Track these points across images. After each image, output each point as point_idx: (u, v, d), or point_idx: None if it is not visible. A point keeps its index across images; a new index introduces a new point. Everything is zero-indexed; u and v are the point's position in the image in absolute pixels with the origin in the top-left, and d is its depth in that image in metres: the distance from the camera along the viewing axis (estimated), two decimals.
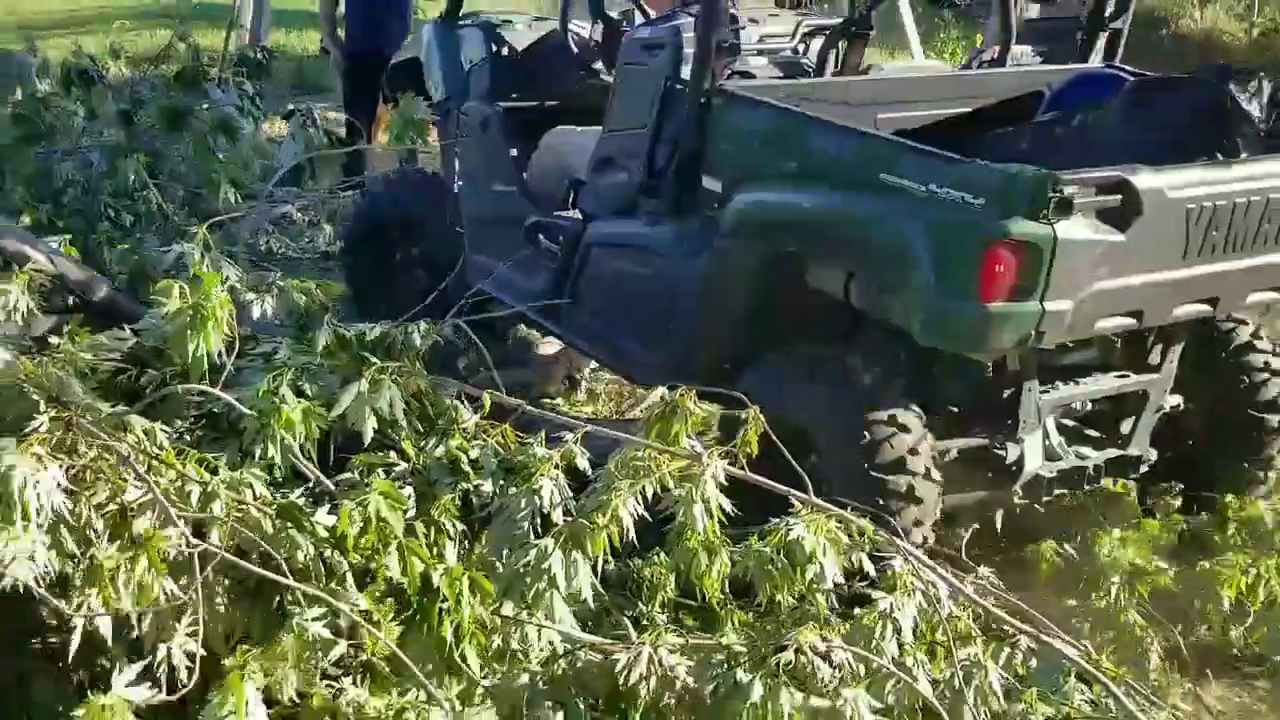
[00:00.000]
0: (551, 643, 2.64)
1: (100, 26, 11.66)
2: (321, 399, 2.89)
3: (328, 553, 2.53)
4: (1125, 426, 4.23)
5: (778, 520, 2.94)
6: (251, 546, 2.46)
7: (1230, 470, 4.40)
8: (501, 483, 2.92)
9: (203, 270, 2.87)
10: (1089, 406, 4.23)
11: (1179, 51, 14.36)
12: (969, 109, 4.51)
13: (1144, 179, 3.46)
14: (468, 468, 2.93)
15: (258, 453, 2.71)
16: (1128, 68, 4.56)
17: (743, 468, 2.98)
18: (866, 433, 3.67)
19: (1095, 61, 4.68)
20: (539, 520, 2.76)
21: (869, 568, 2.96)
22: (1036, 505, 4.11)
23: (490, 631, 2.47)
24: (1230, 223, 3.64)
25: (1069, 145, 4.00)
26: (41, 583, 2.21)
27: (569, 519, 2.74)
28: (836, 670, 2.61)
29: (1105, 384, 4.17)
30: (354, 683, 2.43)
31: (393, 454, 2.94)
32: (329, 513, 2.62)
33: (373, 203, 5.99)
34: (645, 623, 3.15)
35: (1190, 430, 4.45)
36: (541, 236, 4.84)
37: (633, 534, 2.74)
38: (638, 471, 2.81)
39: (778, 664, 2.57)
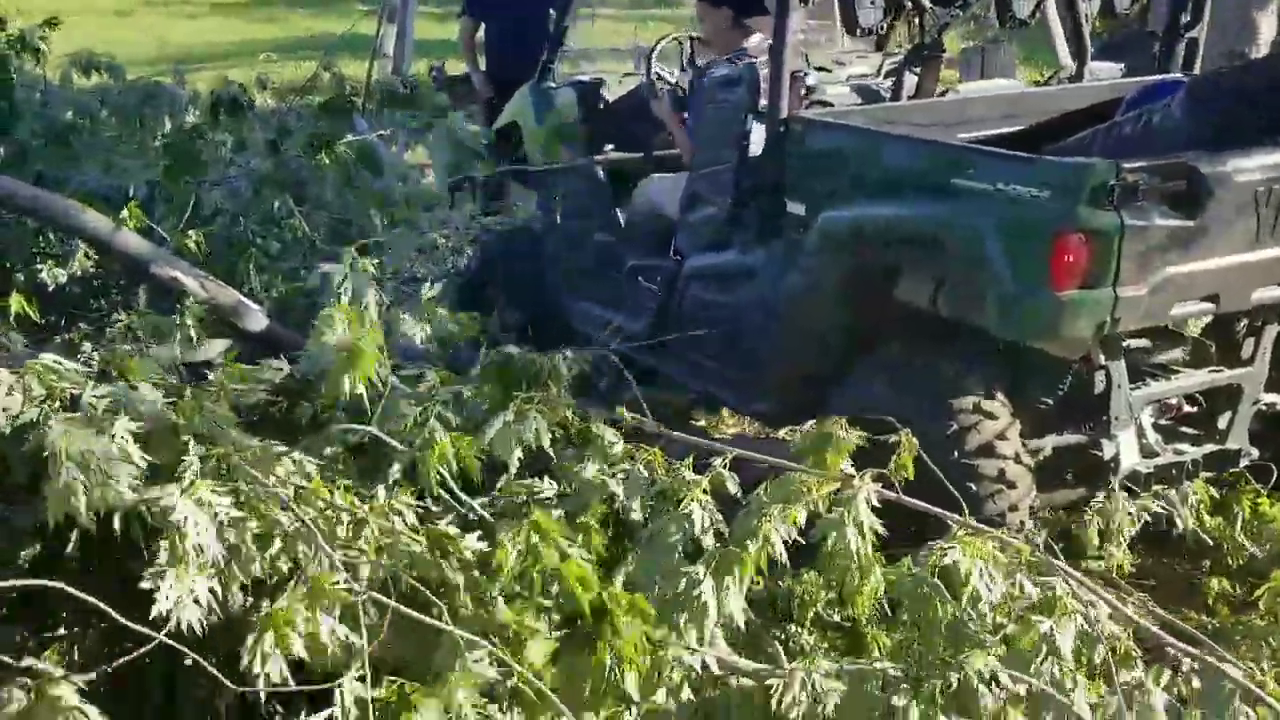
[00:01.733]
0: (705, 666, 2.64)
1: (244, 59, 12.01)
2: (468, 429, 2.94)
3: (479, 579, 2.56)
4: (1222, 422, 4.27)
5: (933, 542, 2.91)
6: (404, 573, 2.50)
7: None
8: (651, 506, 2.94)
9: (346, 306, 2.92)
10: (1184, 404, 4.28)
11: None
12: (1042, 123, 4.59)
13: (1208, 164, 3.59)
14: (617, 488, 2.93)
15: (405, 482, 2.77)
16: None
17: (896, 492, 2.96)
18: (953, 421, 3.78)
19: (1174, 72, 4.78)
20: (689, 545, 2.76)
21: (1029, 589, 2.90)
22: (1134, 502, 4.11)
23: (647, 656, 2.46)
24: None
25: (1134, 145, 4.04)
26: (205, 626, 2.26)
27: (719, 544, 2.74)
28: (1000, 694, 2.57)
29: (1198, 379, 4.25)
30: (501, 710, 2.45)
31: (541, 480, 2.96)
32: (479, 539, 2.66)
33: (476, 266, 6.09)
34: (795, 645, 3.14)
35: None
36: (641, 279, 5.04)
37: (784, 557, 2.72)
38: (789, 495, 2.79)
39: (934, 689, 2.53)
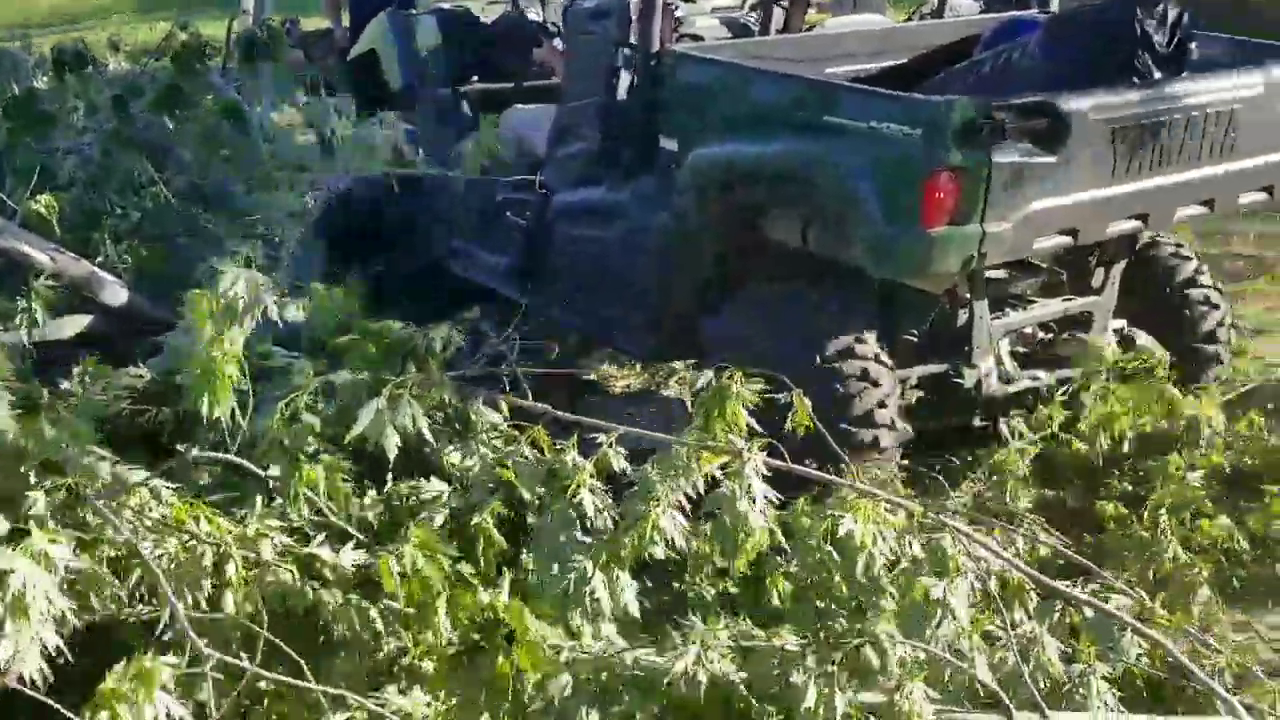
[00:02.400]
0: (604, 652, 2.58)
1: (96, 21, 11.44)
2: (342, 419, 2.82)
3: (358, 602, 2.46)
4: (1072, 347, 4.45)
5: (827, 510, 2.89)
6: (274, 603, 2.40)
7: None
8: (541, 492, 2.87)
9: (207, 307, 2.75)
10: (1037, 332, 4.46)
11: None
12: (908, 59, 4.68)
13: (1068, 102, 3.68)
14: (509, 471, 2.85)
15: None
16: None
17: (783, 456, 2.92)
18: (826, 357, 3.86)
19: (1031, 9, 4.92)
20: (580, 531, 2.70)
21: (918, 550, 2.90)
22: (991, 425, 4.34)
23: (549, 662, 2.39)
24: (1153, 140, 3.86)
25: (996, 83, 4.13)
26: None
27: (610, 529, 2.68)
28: (897, 663, 2.57)
29: (1052, 308, 4.42)
30: None
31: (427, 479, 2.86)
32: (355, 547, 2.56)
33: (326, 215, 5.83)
34: (694, 598, 3.11)
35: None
36: (509, 214, 4.95)
37: (679, 541, 2.67)
38: (677, 474, 2.73)
39: (834, 661, 2.51)
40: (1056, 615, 3.00)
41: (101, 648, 2.34)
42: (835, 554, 2.82)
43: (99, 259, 4.56)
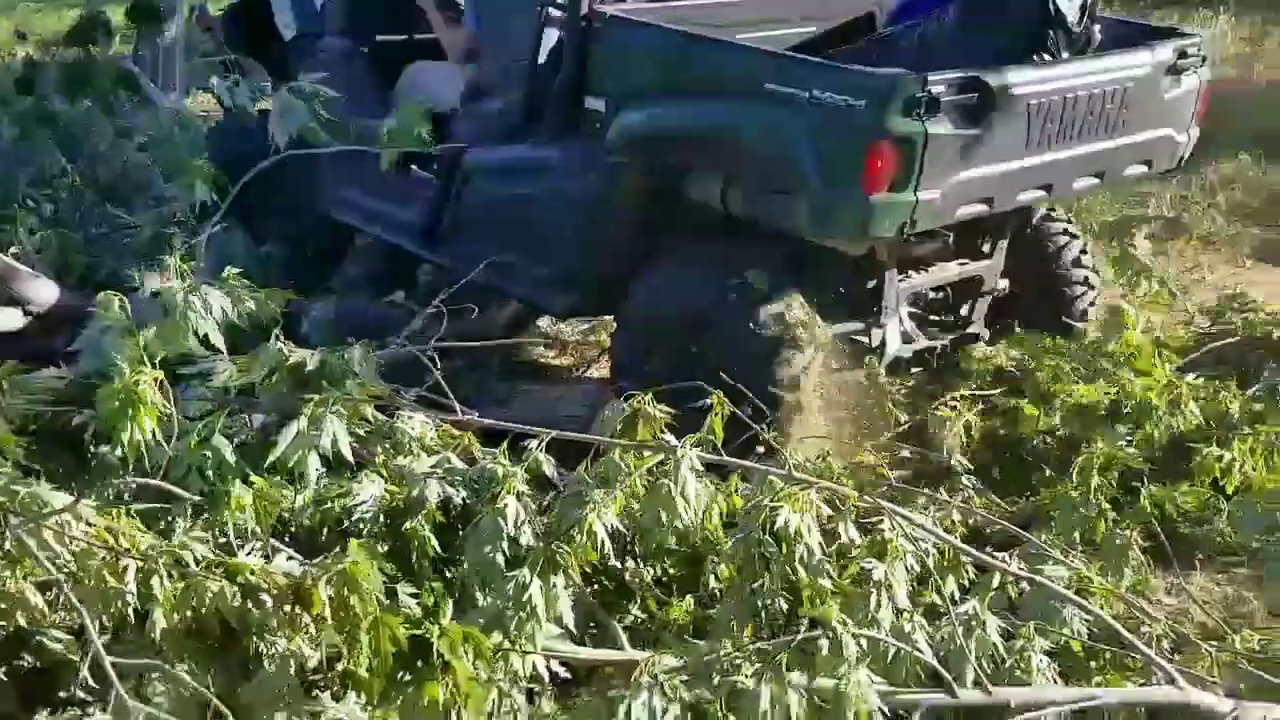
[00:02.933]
0: (549, 670, 2.56)
1: (3, 11, 11.04)
2: (262, 441, 2.75)
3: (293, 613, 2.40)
4: (965, 310, 4.77)
5: (760, 499, 2.87)
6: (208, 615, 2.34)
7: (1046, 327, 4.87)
8: (468, 498, 2.82)
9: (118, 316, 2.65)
10: (928, 293, 4.68)
11: None
12: (822, 30, 4.86)
13: (994, 78, 3.86)
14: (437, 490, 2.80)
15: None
16: None
17: (717, 451, 2.91)
18: (752, 317, 3.99)
19: None
20: (509, 540, 2.66)
21: (854, 535, 2.90)
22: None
23: (485, 683, 2.36)
24: (1061, 116, 4.08)
25: (910, 56, 4.26)
26: None
27: (543, 536, 2.65)
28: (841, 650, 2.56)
29: (949, 271, 4.65)
30: None
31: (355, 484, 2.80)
32: (289, 558, 2.50)
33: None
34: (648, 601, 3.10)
35: (1013, 310, 4.95)
36: (415, 167, 4.93)
37: (608, 546, 2.65)
38: (610, 478, 2.71)
39: (781, 659, 2.50)
40: (993, 589, 3.01)
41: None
42: (773, 543, 2.79)
43: (12, 250, 4.43)
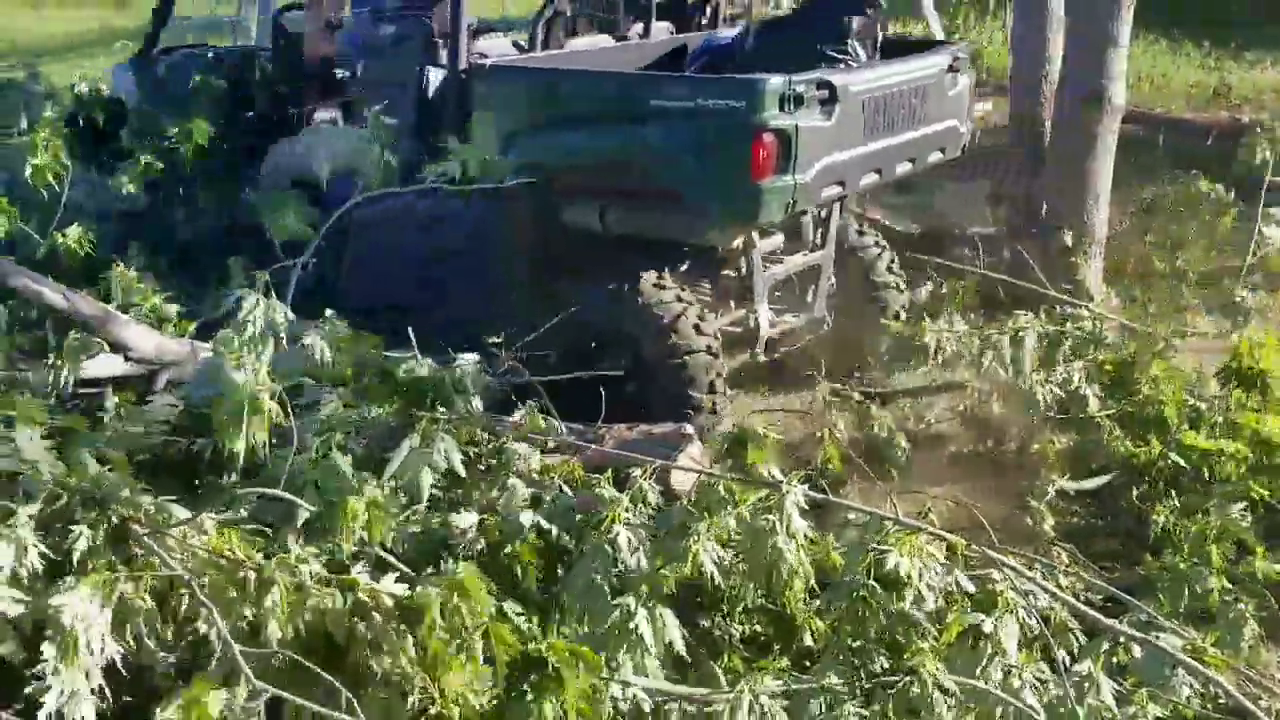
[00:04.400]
0: (649, 695, 2.49)
1: (99, 49, 11.41)
2: (374, 456, 2.74)
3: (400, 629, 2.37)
4: (809, 296, 5.38)
5: (865, 542, 2.81)
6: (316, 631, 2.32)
7: (862, 326, 5.46)
8: (568, 526, 2.79)
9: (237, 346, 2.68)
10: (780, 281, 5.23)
11: None
12: (637, 69, 5.61)
13: (838, 78, 4.56)
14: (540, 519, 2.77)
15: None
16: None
17: (824, 490, 2.86)
18: (664, 327, 4.50)
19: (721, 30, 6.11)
20: (616, 568, 2.62)
21: (966, 585, 2.82)
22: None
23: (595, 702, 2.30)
24: (884, 109, 4.79)
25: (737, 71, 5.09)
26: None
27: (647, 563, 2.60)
28: (949, 699, 2.48)
29: (797, 260, 5.27)
30: None
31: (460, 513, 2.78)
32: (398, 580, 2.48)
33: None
34: (724, 640, 3.02)
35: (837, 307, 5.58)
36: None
37: (717, 578, 2.59)
38: (714, 508, 2.66)
39: (885, 704, 2.43)
40: (1103, 653, 2.90)
41: (138, 684, 2.29)
42: (879, 589, 2.72)
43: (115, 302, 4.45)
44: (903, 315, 5.61)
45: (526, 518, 2.75)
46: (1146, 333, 4.76)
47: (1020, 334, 4.53)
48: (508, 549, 2.71)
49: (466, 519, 2.73)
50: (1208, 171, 7.66)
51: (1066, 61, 6.38)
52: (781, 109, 4.29)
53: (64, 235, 4.39)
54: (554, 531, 2.78)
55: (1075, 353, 4.64)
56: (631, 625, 2.44)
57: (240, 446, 2.54)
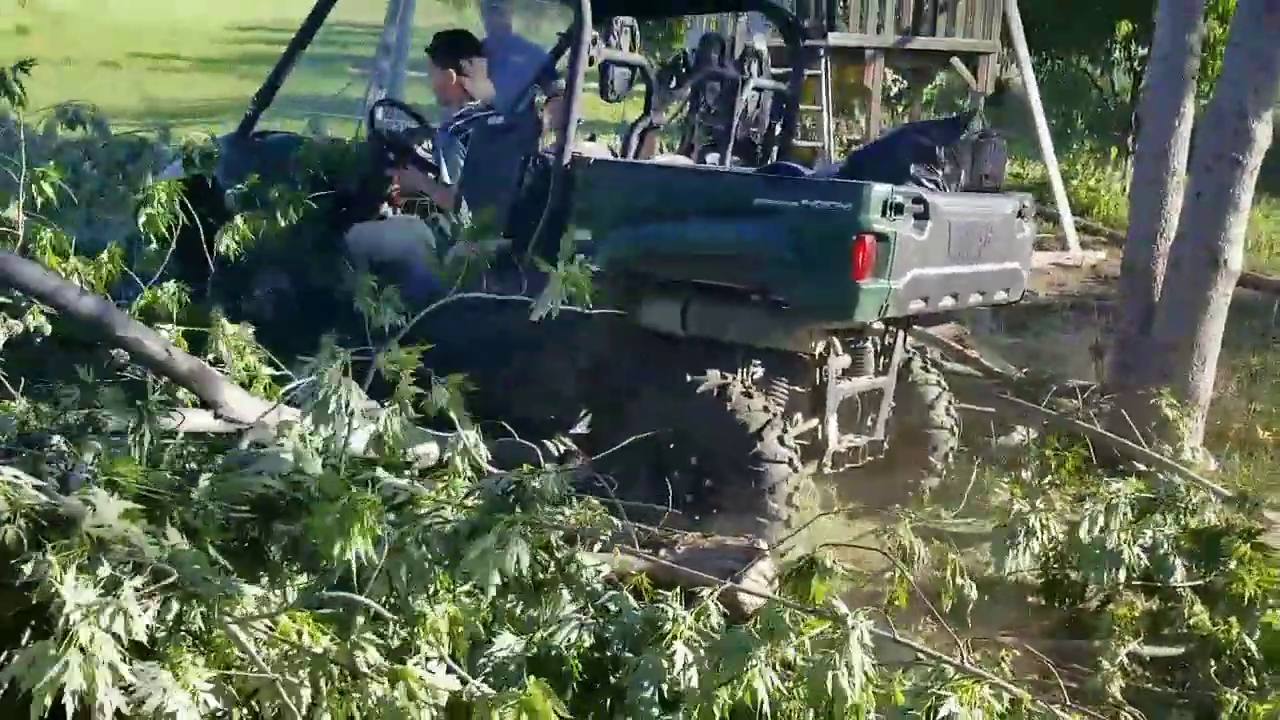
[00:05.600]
0: None
1: (232, 115, 11.89)
2: (450, 553, 2.79)
3: None
4: (870, 420, 5.46)
5: (927, 685, 2.79)
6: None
7: (912, 460, 5.71)
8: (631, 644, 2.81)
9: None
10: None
11: None
12: None
13: (929, 196, 4.79)
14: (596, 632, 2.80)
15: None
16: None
17: (889, 627, 2.84)
18: (768, 473, 4.61)
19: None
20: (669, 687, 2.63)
21: None
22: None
23: None
24: (965, 236, 4.98)
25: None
26: None
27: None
28: None
29: (863, 382, 5.38)
30: None
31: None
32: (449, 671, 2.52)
33: None
34: None
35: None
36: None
37: (766, 707, 2.58)
38: (774, 635, 2.66)
39: None
40: None
41: None
42: None
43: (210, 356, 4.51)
44: (951, 459, 5.80)
45: (578, 628, 2.77)
46: (1241, 504, 4.64)
47: (1114, 502, 4.42)
48: (557, 657, 2.73)
49: (506, 641, 2.76)
50: None
51: (1184, 218, 6.36)
52: (884, 214, 4.51)
53: (162, 289, 4.49)
54: (612, 643, 2.79)
55: (1167, 518, 4.54)
56: None
57: (341, 554, 2.57)
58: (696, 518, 4.47)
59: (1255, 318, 8.10)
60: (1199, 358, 6.16)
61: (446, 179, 5.67)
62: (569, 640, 2.78)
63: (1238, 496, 4.62)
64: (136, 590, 2.32)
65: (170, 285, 4.59)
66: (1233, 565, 4.21)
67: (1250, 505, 4.58)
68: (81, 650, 2.15)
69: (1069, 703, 3.18)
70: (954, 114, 12.56)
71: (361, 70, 14.52)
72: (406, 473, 3.34)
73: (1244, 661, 4.01)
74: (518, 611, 2.89)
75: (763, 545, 3.85)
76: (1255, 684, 3.94)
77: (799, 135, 11.25)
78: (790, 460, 4.67)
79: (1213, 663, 4.06)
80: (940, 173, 5.22)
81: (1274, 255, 11.62)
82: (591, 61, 5.21)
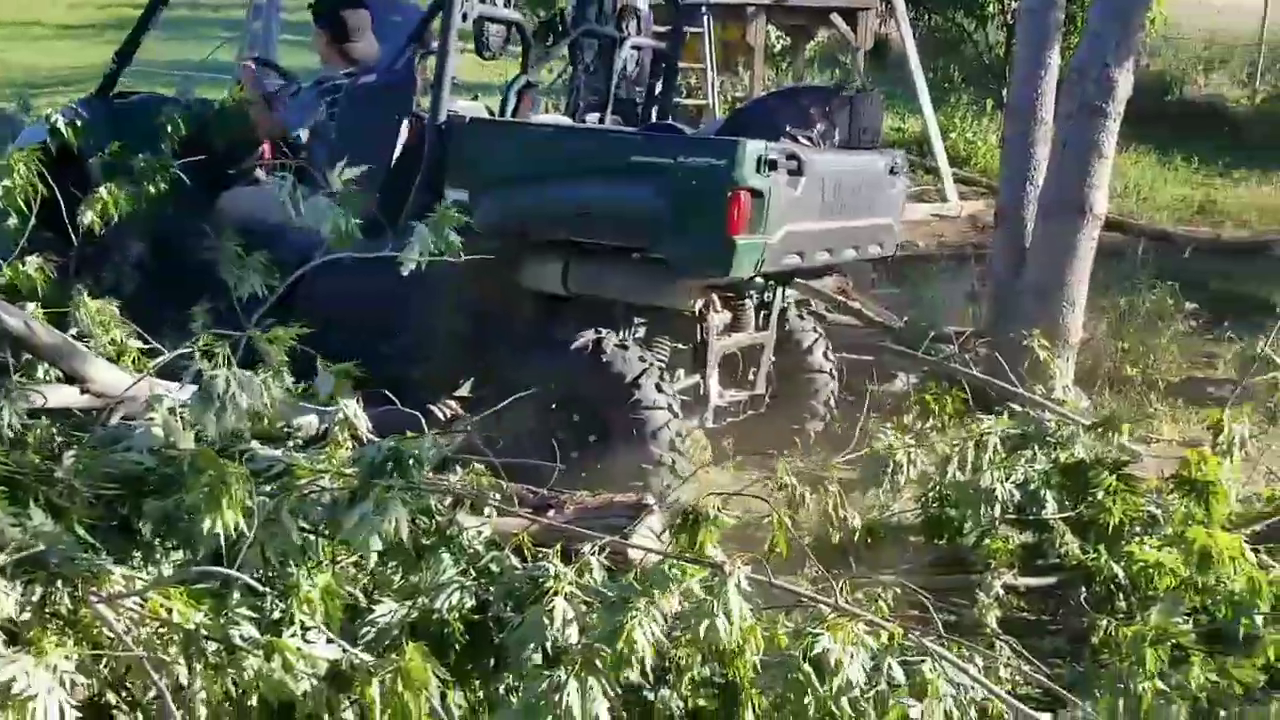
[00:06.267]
0: None
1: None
2: (328, 520, 2.80)
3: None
4: (751, 374, 5.63)
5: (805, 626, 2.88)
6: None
7: (795, 408, 5.89)
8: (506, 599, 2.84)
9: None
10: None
11: (1185, 114, 14.91)
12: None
13: (804, 152, 4.90)
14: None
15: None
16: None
17: (767, 572, 2.92)
18: (650, 421, 4.70)
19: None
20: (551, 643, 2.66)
21: (898, 674, 2.87)
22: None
23: None
24: (838, 193, 5.08)
25: None
26: None
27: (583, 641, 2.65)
28: None
29: (744, 337, 5.50)
30: None
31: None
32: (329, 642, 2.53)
33: None
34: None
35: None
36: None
37: (648, 660, 2.64)
38: (656, 586, 2.72)
39: None
40: None
41: None
42: (813, 673, 2.78)
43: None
44: (832, 403, 5.99)
45: (458, 589, 2.79)
46: (1106, 430, 4.81)
47: (985, 437, 4.57)
48: (440, 620, 2.75)
49: (386, 607, 2.76)
50: (1186, 284, 7.83)
51: (1051, 167, 6.54)
52: (758, 170, 4.58)
53: (23, 264, 4.33)
54: (493, 604, 2.83)
55: (1038, 453, 4.70)
56: (559, 698, 2.49)
57: (211, 527, 2.56)
58: (584, 475, 4.50)
59: (1123, 261, 8.38)
60: (1068, 300, 6.37)
61: (292, 124, 5.64)
62: (450, 604, 2.78)
63: (1102, 422, 4.77)
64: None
65: (32, 260, 4.42)
66: (1100, 496, 4.37)
67: (1113, 430, 4.73)
68: None
69: (943, 635, 3.31)
70: (834, 81, 12.85)
71: (232, 34, 14.19)
72: (289, 444, 3.34)
73: (1113, 588, 4.18)
74: (398, 579, 2.89)
75: (650, 501, 3.91)
76: (1125, 608, 4.12)
77: (684, 94, 11.31)
78: (669, 406, 4.73)
79: (1084, 590, 4.23)
80: (815, 130, 5.37)
81: (1141, 201, 11.99)
82: (465, 18, 5.17)
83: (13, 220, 4.50)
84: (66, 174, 5.01)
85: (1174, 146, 14.03)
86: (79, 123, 5.18)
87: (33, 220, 4.51)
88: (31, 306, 3.97)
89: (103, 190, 4.87)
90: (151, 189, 5.14)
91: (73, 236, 4.89)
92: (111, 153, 5.38)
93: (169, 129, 5.58)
